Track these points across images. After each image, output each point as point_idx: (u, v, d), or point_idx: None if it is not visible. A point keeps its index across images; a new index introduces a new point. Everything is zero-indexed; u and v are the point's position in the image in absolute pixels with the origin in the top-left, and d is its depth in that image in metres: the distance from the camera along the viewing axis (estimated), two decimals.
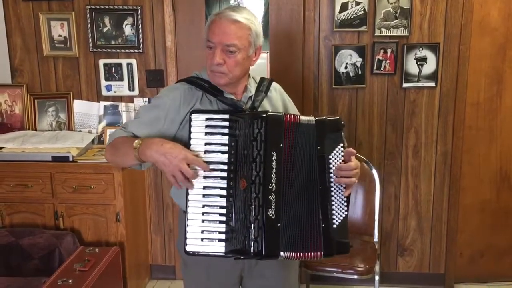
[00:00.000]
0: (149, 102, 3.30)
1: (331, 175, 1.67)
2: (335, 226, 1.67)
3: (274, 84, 1.95)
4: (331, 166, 1.67)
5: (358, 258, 2.79)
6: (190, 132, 1.66)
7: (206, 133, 1.65)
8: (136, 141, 1.65)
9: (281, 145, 1.64)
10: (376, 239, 2.99)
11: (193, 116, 1.67)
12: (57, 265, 2.70)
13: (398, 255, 3.42)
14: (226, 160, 1.64)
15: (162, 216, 3.48)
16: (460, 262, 3.41)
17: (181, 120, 1.77)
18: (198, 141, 1.65)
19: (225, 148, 1.64)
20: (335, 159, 1.68)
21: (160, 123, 1.77)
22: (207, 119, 1.66)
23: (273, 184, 1.62)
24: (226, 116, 1.66)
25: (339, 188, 1.69)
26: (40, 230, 2.90)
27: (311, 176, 1.67)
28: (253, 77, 1.91)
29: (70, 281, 2.46)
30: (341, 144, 1.69)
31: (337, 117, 1.71)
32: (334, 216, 1.67)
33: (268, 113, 1.65)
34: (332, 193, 1.68)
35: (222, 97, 1.78)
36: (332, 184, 1.68)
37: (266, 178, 1.62)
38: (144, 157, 1.63)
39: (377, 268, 2.79)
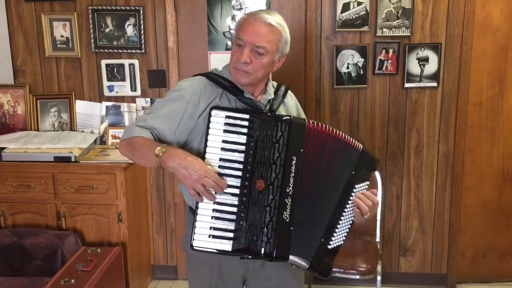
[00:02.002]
0: (151, 102, 3.31)
1: (350, 201, 1.71)
2: (329, 247, 1.70)
3: (289, 91, 1.98)
4: (352, 194, 1.71)
5: (360, 258, 2.79)
6: (208, 128, 1.66)
7: (225, 131, 1.65)
8: (158, 148, 1.64)
9: (302, 150, 1.65)
10: (378, 239, 2.99)
11: (214, 112, 1.66)
12: (59, 265, 2.71)
13: (400, 255, 3.42)
14: (242, 160, 1.64)
15: (164, 217, 3.49)
16: (462, 262, 3.41)
17: (199, 115, 1.75)
18: (216, 137, 1.65)
19: (242, 148, 1.64)
20: (358, 191, 1.72)
21: (179, 116, 1.75)
22: (227, 116, 1.66)
23: (290, 188, 1.64)
24: (247, 116, 1.66)
25: (349, 218, 1.72)
26: (42, 230, 2.91)
27: (333, 192, 1.70)
28: (272, 82, 1.93)
29: (72, 281, 2.47)
30: (367, 182, 1.74)
31: (377, 159, 1.84)
32: (333, 238, 1.70)
33: (292, 117, 1.67)
34: (342, 217, 1.71)
35: (242, 97, 1.78)
36: (346, 210, 1.71)
37: (284, 181, 1.63)
38: (164, 165, 1.63)
39: (379, 268, 2.79)
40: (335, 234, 1.70)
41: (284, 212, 1.63)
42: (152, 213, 3.49)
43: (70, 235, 2.88)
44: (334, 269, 2.70)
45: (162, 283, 3.52)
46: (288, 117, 1.66)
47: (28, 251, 2.73)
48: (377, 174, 2.96)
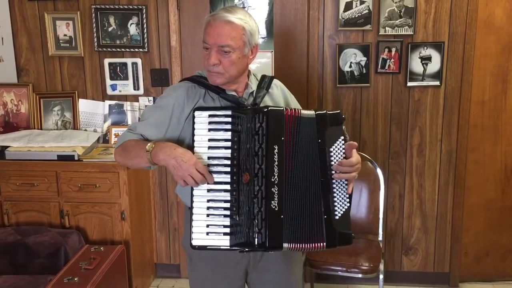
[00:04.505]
0: (154, 101, 3.32)
1: (332, 168, 1.69)
2: (337, 217, 1.69)
3: (275, 81, 1.98)
4: (332, 159, 1.69)
5: (362, 257, 2.79)
6: (193, 129, 1.70)
7: (210, 130, 1.69)
8: (148, 144, 1.70)
9: (282, 138, 1.66)
10: (380, 238, 2.99)
11: (196, 113, 1.71)
12: (62, 263, 2.72)
13: (402, 254, 3.42)
14: (229, 155, 1.68)
15: (167, 215, 3.50)
16: (465, 261, 3.41)
17: (185, 117, 1.80)
18: (202, 137, 1.69)
19: (228, 144, 1.68)
20: (336, 152, 1.70)
21: (166, 122, 1.81)
22: (210, 115, 1.70)
23: (275, 177, 1.64)
24: (229, 112, 1.70)
25: (341, 181, 1.71)
26: (46, 228, 2.92)
27: (313, 169, 1.69)
28: (254, 75, 1.94)
29: (75, 279, 2.48)
30: (342, 137, 1.71)
31: (338, 111, 1.74)
32: (336, 208, 1.69)
33: (269, 108, 1.67)
34: (334, 185, 1.70)
35: (224, 94, 1.81)
36: (333, 177, 1.70)
37: (268, 171, 1.64)
38: (156, 159, 1.68)
39: (381, 267, 2.79)
40: (336, 204, 1.69)
41: (272, 201, 1.63)
42: (155, 212, 3.50)
43: (73, 233, 2.89)
44: (336, 268, 2.73)
45: (165, 281, 3.53)
46: (265, 108, 1.67)
47: (32, 249, 2.74)
48: (379, 172, 2.96)
